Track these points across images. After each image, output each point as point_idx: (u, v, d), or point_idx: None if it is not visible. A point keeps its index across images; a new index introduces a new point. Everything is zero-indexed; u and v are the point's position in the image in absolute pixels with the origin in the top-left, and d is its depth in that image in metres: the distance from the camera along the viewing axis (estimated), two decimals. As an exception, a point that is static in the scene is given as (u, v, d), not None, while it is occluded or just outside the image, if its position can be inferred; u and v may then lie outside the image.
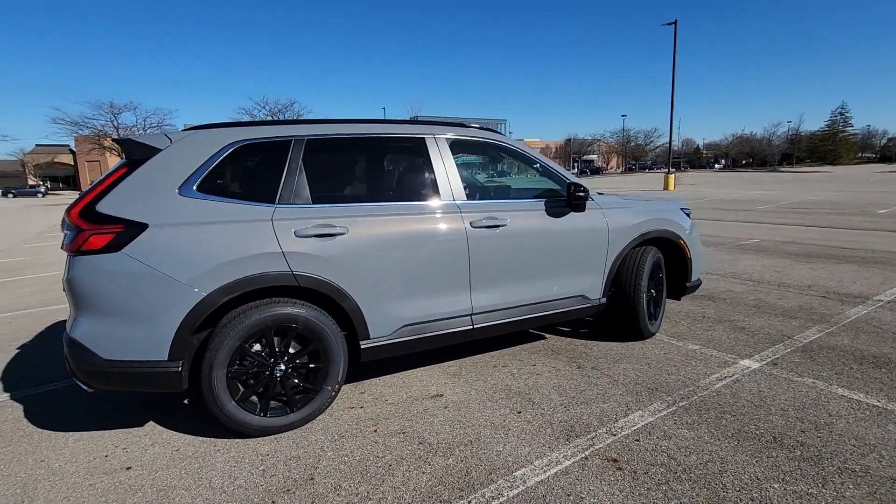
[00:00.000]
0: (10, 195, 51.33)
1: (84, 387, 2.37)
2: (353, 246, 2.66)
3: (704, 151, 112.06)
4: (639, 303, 3.62)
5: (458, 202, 3.02)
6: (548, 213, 3.30)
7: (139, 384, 2.37)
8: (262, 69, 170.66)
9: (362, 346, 2.76)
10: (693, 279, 4.07)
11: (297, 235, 2.54)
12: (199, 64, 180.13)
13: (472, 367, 3.41)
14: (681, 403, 2.79)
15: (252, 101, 54.20)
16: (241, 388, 2.52)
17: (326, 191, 2.76)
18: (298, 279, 2.53)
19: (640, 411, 2.71)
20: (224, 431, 2.61)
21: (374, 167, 3.12)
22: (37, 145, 65.25)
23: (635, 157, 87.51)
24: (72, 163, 67.55)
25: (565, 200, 3.34)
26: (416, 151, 3.08)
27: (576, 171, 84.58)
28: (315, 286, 2.58)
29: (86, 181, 69.54)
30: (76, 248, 2.25)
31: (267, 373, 2.55)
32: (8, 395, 3.29)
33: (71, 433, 2.74)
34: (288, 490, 2.15)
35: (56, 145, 62.35)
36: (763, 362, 3.32)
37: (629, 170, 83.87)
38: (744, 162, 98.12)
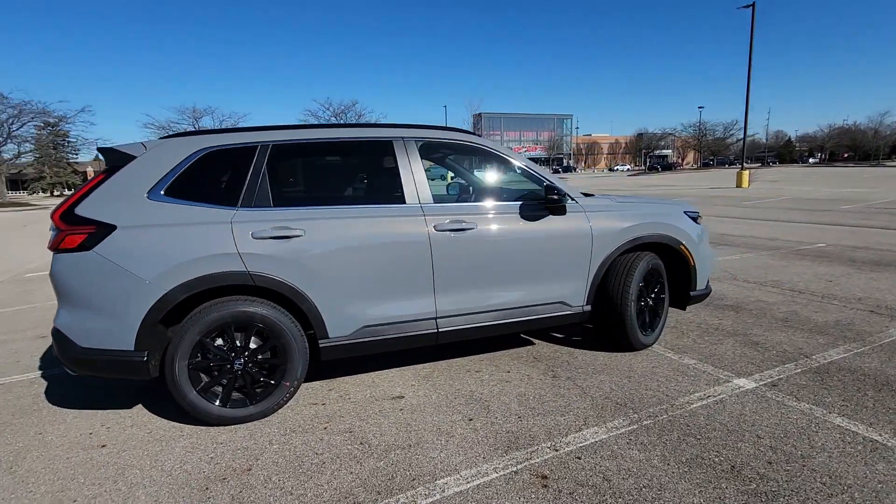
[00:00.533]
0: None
1: (68, 370, 2.65)
2: (309, 248, 2.75)
3: (797, 144, 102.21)
4: (626, 312, 3.41)
5: (422, 205, 3.01)
6: (522, 217, 3.20)
7: (110, 371, 2.61)
8: (326, 72, 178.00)
9: (321, 346, 2.85)
10: (699, 288, 3.77)
11: (253, 237, 2.67)
12: (270, 68, 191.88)
13: (446, 371, 3.40)
14: (645, 422, 2.61)
15: (317, 103, 57.15)
16: (205, 379, 2.69)
17: (289, 194, 2.88)
18: (254, 279, 2.66)
19: (596, 427, 2.57)
20: (194, 419, 2.80)
21: (339, 171, 3.19)
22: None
23: (713, 152, 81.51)
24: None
25: (543, 203, 3.22)
26: (383, 154, 3.11)
27: (643, 167, 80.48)
28: (270, 286, 2.69)
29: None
30: (55, 246, 2.52)
31: (227, 366, 2.71)
32: (39, 372, 3.73)
33: (73, 410, 3.06)
34: (224, 479, 2.28)
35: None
36: (760, 382, 3.02)
37: (705, 165, 78.29)
38: (845, 155, 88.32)
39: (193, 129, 3.23)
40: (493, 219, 3.15)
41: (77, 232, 2.50)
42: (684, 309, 3.96)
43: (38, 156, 44.80)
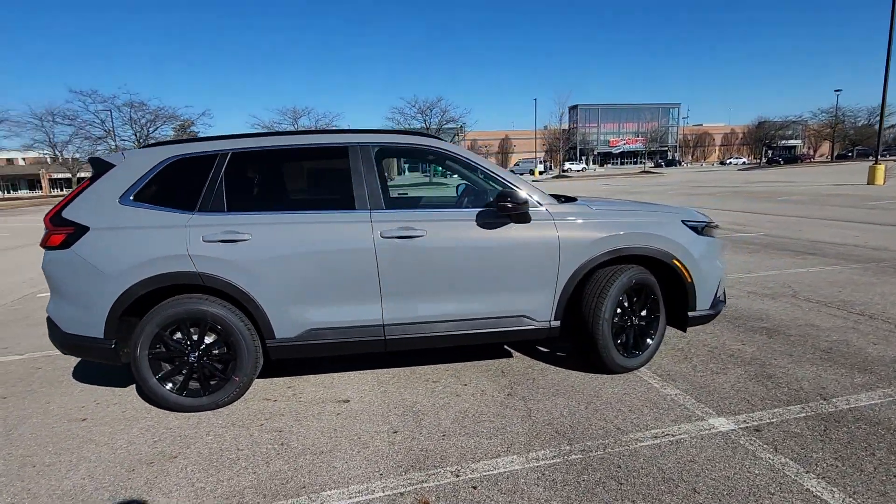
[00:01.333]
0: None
1: (59, 350, 3.06)
2: (255, 251, 2.88)
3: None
4: (597, 330, 3.10)
5: (371, 211, 3.00)
6: (479, 224, 3.04)
7: (87, 354, 2.97)
8: (414, 71, 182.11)
9: (268, 345, 2.97)
10: (701, 308, 3.31)
11: (204, 240, 2.85)
12: (360, 69, 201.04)
13: (405, 378, 3.36)
14: (573, 456, 2.36)
15: (403, 101, 59.16)
16: (165, 368, 2.95)
17: (243, 200, 3.02)
18: (203, 279, 2.85)
19: (516, 456, 2.39)
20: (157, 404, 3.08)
21: (293, 177, 3.27)
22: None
23: (854, 142, 70.04)
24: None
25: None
26: (337, 161, 3.13)
27: (762, 159, 71.66)
28: (218, 286, 2.86)
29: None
30: (43, 244, 2.91)
31: (184, 358, 2.94)
32: (81, 348, 4.34)
33: (86, 385, 3.52)
34: (150, 462, 2.48)
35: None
36: (742, 425, 2.58)
37: (842, 157, 67.49)
38: None
39: (171, 139, 3.56)
40: (447, 226, 3.03)
41: (59, 232, 2.86)
42: (684, 331, 3.50)
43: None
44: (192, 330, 2.93)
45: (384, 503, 2.09)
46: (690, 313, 3.31)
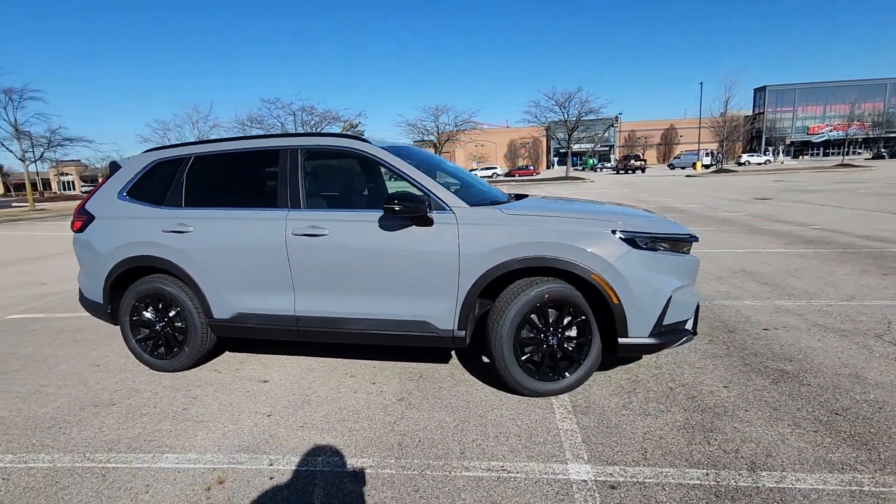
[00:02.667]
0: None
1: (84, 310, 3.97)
2: (196, 241, 3.34)
3: None
4: (495, 346, 2.85)
5: (290, 210, 3.22)
6: (381, 226, 3.03)
7: (95, 315, 3.80)
8: (552, 62, 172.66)
9: (208, 323, 3.43)
10: (635, 334, 2.79)
11: (162, 231, 3.42)
12: (499, 65, 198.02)
13: (331, 369, 3.53)
14: (386, 470, 2.29)
15: (541, 94, 57.25)
16: (142, 332, 3.61)
17: (195, 197, 3.49)
18: (162, 263, 3.42)
19: (338, 458, 2.40)
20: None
21: (237, 178, 3.60)
22: (425, 143, 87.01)
23: None
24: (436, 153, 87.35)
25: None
26: (271, 163, 3.40)
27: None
28: (171, 269, 3.41)
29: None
30: (71, 228, 3.79)
31: (154, 327, 3.57)
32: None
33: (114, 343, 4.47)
34: (96, 405, 3.12)
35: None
36: (600, 478, 2.17)
37: None
38: None
39: (171, 144, 4.21)
40: (349, 226, 3.09)
41: (79, 219, 3.72)
42: (620, 359, 2.96)
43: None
44: (159, 305, 3.54)
45: (194, 474, 2.33)
46: (620, 340, 2.82)
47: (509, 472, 2.24)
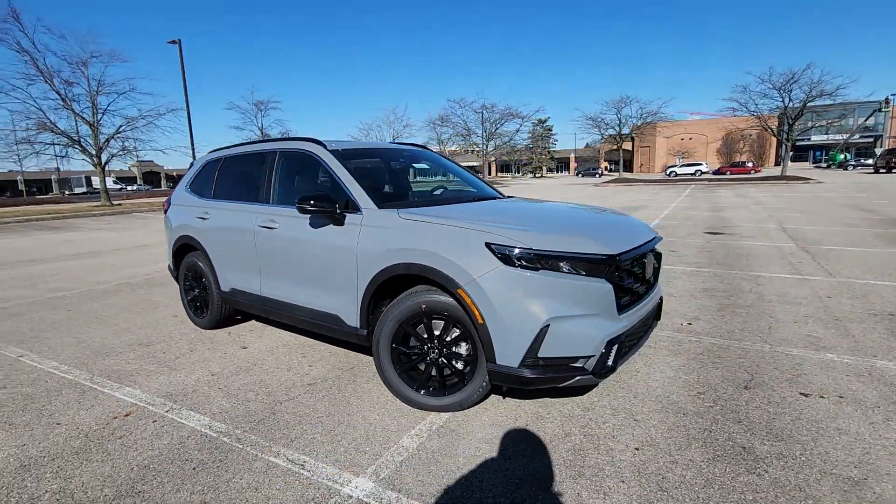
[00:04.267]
0: (579, 174, 68.09)
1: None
2: (210, 226, 4.14)
3: None
4: (374, 350, 2.85)
5: (261, 204, 3.72)
6: (310, 223, 3.29)
7: (173, 277, 4.98)
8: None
9: (219, 293, 4.22)
10: (503, 362, 2.45)
11: (196, 217, 4.32)
12: (699, 51, 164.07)
13: (299, 347, 3.94)
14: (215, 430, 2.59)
15: (752, 77, 46.83)
16: (191, 294, 4.63)
17: (220, 191, 4.27)
18: (193, 241, 4.33)
19: (208, 418, 2.80)
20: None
21: (241, 176, 4.17)
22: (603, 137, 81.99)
23: None
24: (630, 148, 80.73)
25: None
26: (260, 163, 3.93)
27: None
28: (197, 246, 4.29)
29: (637, 164, 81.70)
30: (163, 209, 5.04)
31: (194, 292, 4.54)
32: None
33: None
34: (140, 344, 4.18)
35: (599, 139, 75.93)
36: (369, 499, 2.07)
37: None
38: None
39: (223, 146, 5.02)
40: (291, 221, 3.42)
41: (166, 204, 4.92)
42: (502, 392, 2.58)
43: (530, 146, 59.21)
44: (196, 275, 4.48)
45: (120, 405, 3.01)
46: (489, 365, 2.51)
47: (302, 467, 2.31)
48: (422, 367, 2.83)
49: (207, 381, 3.34)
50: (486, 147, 42.33)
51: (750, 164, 51.21)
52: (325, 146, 3.53)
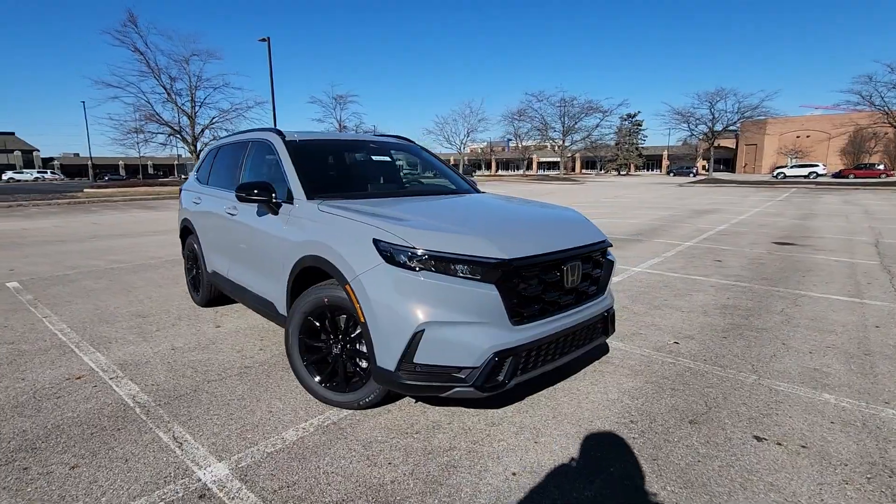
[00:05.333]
0: (671, 173, 63.34)
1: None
2: (199, 210, 4.43)
3: None
4: (286, 342, 2.86)
5: (229, 191, 3.87)
6: (257, 212, 3.37)
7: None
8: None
9: (204, 274, 4.50)
10: (382, 363, 2.35)
11: (192, 202, 4.64)
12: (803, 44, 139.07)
13: (262, 331, 4.07)
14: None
15: (880, 65, 39.54)
16: (190, 273, 5.00)
17: (213, 177, 4.53)
18: (189, 224, 4.66)
19: (133, 384, 3.00)
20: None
21: (224, 164, 4.35)
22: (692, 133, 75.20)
23: None
24: (733, 146, 73.42)
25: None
26: (238, 153, 4.10)
27: None
28: (192, 229, 4.60)
29: (740, 164, 74.02)
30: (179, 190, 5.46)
31: (193, 272, 4.89)
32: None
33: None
34: (136, 315, 4.59)
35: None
36: (230, 469, 2.09)
37: None
38: None
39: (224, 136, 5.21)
40: (245, 208, 3.53)
41: (180, 190, 5.34)
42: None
43: (617, 141, 56.15)
44: (193, 256, 4.82)
45: (80, 367, 3.32)
46: (371, 365, 2.41)
47: (180, 445, 2.38)
48: (329, 360, 2.80)
49: (163, 355, 3.58)
50: (564, 142, 40.75)
51: (881, 167, 44.35)
52: (282, 137, 3.59)
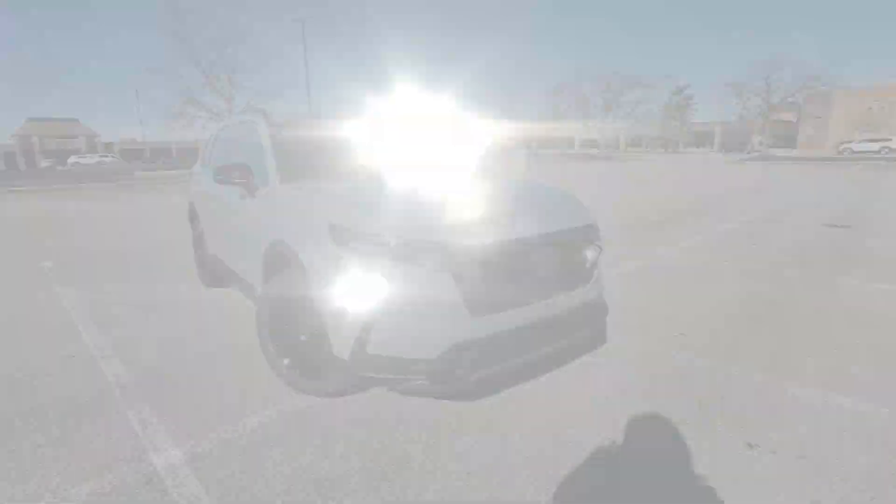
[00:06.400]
0: (723, 150, 59.52)
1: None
2: (199, 191, 4.49)
3: None
4: (257, 326, 2.82)
5: (222, 175, 3.88)
6: (239, 195, 3.33)
7: None
8: None
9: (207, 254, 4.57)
10: (339, 353, 2.27)
11: (195, 184, 4.69)
12: None
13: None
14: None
15: None
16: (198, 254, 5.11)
17: (214, 160, 4.55)
18: (193, 206, 4.73)
19: (120, 363, 3.07)
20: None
21: (226, 144, 4.32)
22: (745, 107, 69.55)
23: None
24: (794, 120, 68.08)
25: (247, 182, 3.19)
26: (237, 132, 4.07)
27: None
28: (196, 209, 4.67)
29: (804, 138, 68.53)
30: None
31: (198, 252, 4.99)
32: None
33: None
34: (144, 306, 4.74)
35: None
36: (186, 454, 2.09)
37: None
38: None
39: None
40: (231, 190, 3.49)
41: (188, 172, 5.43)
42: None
43: (665, 117, 53.31)
44: (198, 235, 4.90)
45: (78, 347, 3.44)
46: (330, 355, 2.32)
47: (144, 428, 2.41)
48: (298, 347, 2.74)
49: (158, 337, 3.64)
50: (605, 118, 39.11)
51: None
52: (266, 119, 3.52)
